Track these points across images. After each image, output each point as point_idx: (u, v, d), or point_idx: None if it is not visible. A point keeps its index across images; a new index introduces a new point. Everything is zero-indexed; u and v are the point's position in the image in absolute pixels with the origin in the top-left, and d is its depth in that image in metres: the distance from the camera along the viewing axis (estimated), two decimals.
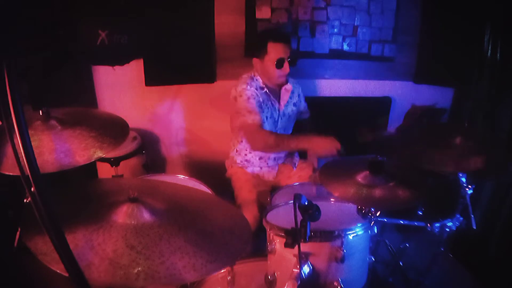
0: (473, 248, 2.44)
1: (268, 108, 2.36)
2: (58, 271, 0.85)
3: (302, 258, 1.35)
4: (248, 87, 2.27)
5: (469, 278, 2.42)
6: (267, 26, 2.78)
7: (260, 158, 2.48)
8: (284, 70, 2.23)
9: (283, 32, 2.30)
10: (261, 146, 2.27)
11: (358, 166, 1.67)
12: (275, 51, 2.21)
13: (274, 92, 2.39)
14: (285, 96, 2.41)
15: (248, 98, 2.24)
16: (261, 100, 2.30)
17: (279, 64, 2.21)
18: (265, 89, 2.33)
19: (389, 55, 3.02)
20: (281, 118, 2.44)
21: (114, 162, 2.42)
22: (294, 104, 2.50)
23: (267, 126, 2.39)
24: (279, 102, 2.41)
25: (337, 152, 2.09)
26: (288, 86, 2.40)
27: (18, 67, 2.13)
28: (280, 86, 2.36)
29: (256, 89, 2.30)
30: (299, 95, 2.53)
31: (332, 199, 1.70)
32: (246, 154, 2.47)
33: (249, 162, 2.49)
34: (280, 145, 2.20)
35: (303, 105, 2.60)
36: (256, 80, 2.33)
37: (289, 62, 2.23)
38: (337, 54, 2.97)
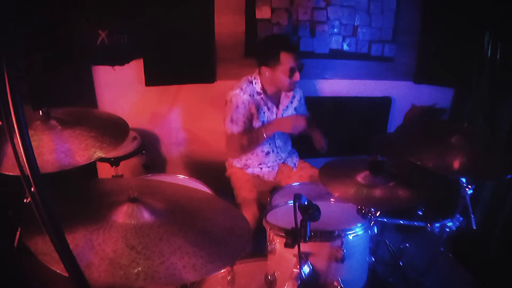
0: (473, 248, 2.44)
1: (264, 113, 2.36)
2: (58, 271, 0.85)
3: (302, 258, 1.36)
4: (242, 93, 2.27)
5: (469, 278, 2.42)
6: (275, 34, 2.76)
7: (260, 164, 2.48)
8: (296, 78, 2.23)
9: (293, 42, 2.36)
10: (237, 154, 2.44)
11: (358, 166, 1.67)
12: (287, 61, 2.19)
13: (273, 97, 2.39)
14: (284, 101, 2.41)
15: (237, 107, 2.26)
16: (254, 105, 2.30)
17: (292, 73, 2.21)
18: (262, 95, 2.32)
19: (389, 55, 3.02)
20: None
21: (114, 162, 2.42)
22: (295, 109, 2.49)
23: None
24: (277, 107, 2.41)
25: (305, 125, 2.26)
26: (289, 92, 2.40)
27: (18, 67, 2.14)
28: (289, 91, 2.36)
29: (251, 95, 2.29)
30: (300, 100, 2.52)
31: (332, 199, 1.70)
32: (247, 160, 2.48)
33: (248, 165, 2.49)
34: (253, 141, 2.32)
35: (303, 109, 2.59)
36: (255, 84, 2.32)
37: (299, 69, 2.23)
38: (337, 54, 2.96)
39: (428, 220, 1.78)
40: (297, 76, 2.22)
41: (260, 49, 2.39)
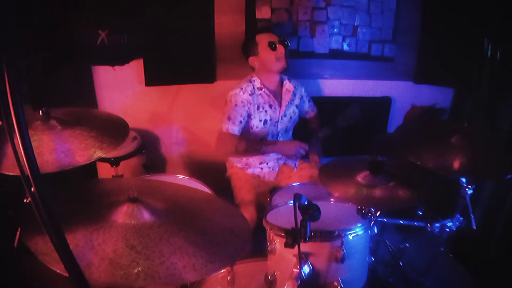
0: (473, 248, 2.44)
1: (265, 111, 2.36)
2: (58, 271, 0.85)
3: (302, 258, 1.36)
4: (241, 92, 2.28)
5: (469, 278, 2.42)
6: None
7: (261, 163, 2.48)
8: (280, 52, 2.26)
9: (267, 25, 2.57)
10: (225, 154, 2.47)
11: (358, 166, 1.67)
12: (263, 39, 2.29)
13: (275, 93, 2.39)
14: (286, 96, 2.41)
15: (236, 105, 2.27)
16: (254, 104, 2.31)
17: (272, 45, 2.25)
18: (263, 89, 2.33)
19: (389, 55, 3.02)
20: (281, 119, 2.43)
21: (114, 162, 2.41)
22: (296, 106, 2.49)
23: (267, 128, 2.39)
24: (280, 103, 2.41)
25: (302, 152, 2.34)
26: (290, 86, 2.40)
27: (18, 67, 2.14)
28: (282, 71, 2.34)
29: (251, 94, 2.30)
30: (301, 97, 2.53)
31: (332, 199, 1.70)
32: (247, 158, 2.47)
33: (249, 165, 2.49)
34: (250, 150, 2.34)
35: (307, 105, 2.60)
36: (254, 81, 2.34)
37: (281, 43, 2.27)
38: (337, 54, 2.96)
39: (428, 220, 1.78)
40: (280, 48, 2.26)
41: (243, 45, 2.47)
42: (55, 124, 1.33)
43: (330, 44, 2.93)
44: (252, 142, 2.34)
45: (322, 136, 2.55)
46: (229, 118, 2.29)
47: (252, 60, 2.34)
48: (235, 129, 2.29)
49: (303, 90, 2.54)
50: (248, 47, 2.36)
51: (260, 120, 2.36)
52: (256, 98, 2.32)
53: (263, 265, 1.56)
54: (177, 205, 1.22)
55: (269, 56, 2.27)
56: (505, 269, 2.30)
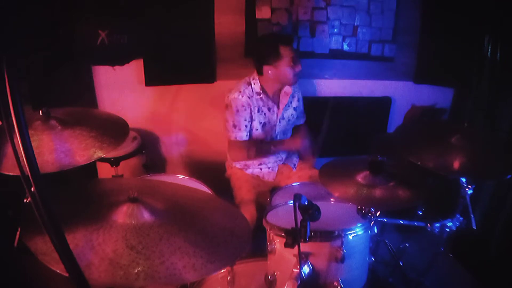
0: (473, 248, 2.44)
1: (264, 114, 2.36)
2: (58, 271, 0.85)
3: (302, 258, 1.36)
4: (240, 96, 2.26)
5: (469, 278, 2.42)
6: (271, 31, 2.78)
7: (260, 164, 2.48)
8: (298, 68, 2.26)
9: (288, 34, 2.50)
10: (241, 160, 2.47)
11: (358, 166, 1.67)
12: (287, 53, 2.22)
13: (273, 96, 2.38)
14: (284, 99, 2.41)
15: (238, 111, 2.26)
16: (254, 107, 2.30)
17: (295, 63, 2.24)
18: (262, 95, 2.32)
19: (389, 55, 3.02)
20: (279, 122, 2.43)
21: (114, 162, 2.42)
22: (294, 108, 2.49)
23: (265, 131, 2.39)
24: (278, 106, 2.40)
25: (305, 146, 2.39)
26: (288, 89, 2.39)
27: (18, 67, 2.14)
28: (293, 84, 2.35)
29: (250, 96, 2.29)
30: (299, 99, 2.53)
31: (332, 199, 1.70)
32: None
33: (248, 166, 2.49)
34: (261, 153, 2.39)
35: (301, 110, 2.59)
36: (254, 84, 2.32)
37: (299, 59, 2.28)
38: (337, 54, 2.96)
39: (428, 220, 1.78)
40: (298, 66, 2.25)
41: (259, 48, 2.36)
42: (55, 124, 1.33)
43: (330, 44, 2.93)
44: (262, 145, 2.36)
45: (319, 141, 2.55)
46: (234, 126, 2.29)
47: (267, 69, 2.25)
48: (243, 135, 2.30)
49: (300, 93, 2.54)
50: (267, 54, 2.24)
51: (260, 123, 2.36)
52: (255, 101, 2.32)
53: (263, 265, 1.56)
54: (177, 205, 1.22)
55: (289, 72, 2.24)
56: (505, 269, 2.30)
